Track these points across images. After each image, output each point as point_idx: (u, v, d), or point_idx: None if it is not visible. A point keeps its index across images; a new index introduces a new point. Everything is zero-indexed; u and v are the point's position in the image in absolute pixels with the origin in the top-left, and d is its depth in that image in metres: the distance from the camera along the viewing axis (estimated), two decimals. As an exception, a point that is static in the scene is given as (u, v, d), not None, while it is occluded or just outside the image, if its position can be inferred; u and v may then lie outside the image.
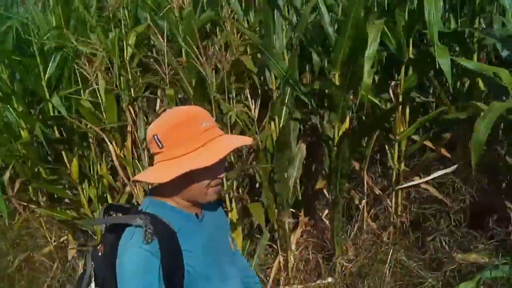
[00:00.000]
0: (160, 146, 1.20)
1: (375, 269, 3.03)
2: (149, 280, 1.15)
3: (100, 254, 1.28)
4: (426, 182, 3.19)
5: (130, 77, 3.33)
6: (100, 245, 1.30)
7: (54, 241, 3.91)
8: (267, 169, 2.86)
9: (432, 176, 3.07)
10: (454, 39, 2.91)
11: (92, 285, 1.28)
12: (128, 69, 3.35)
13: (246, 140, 1.29)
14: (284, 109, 2.95)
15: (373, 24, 2.58)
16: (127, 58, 3.44)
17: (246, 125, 2.91)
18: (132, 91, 3.17)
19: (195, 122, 1.20)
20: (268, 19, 2.76)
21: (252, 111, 2.76)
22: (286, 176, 3.00)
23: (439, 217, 3.15)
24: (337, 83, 2.69)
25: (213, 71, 2.69)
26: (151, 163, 2.80)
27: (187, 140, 1.19)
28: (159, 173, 1.20)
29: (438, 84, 2.92)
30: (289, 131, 2.82)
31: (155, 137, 1.20)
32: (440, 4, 2.39)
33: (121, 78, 3.14)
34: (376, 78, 3.04)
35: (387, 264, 2.98)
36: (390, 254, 3.01)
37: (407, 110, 3.01)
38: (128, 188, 3.36)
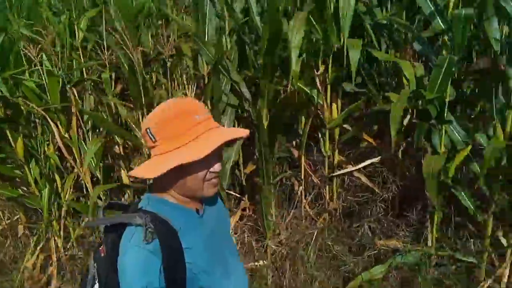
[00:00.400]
0: (153, 140, 1.19)
1: (303, 253, 3.14)
2: (150, 279, 1.14)
3: (102, 255, 1.26)
4: (359, 171, 3.30)
5: (77, 60, 3.44)
6: (101, 246, 1.28)
7: (8, 219, 4.04)
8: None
9: (361, 165, 3.17)
10: (384, 31, 2.99)
11: (96, 286, 1.26)
12: (80, 52, 3.47)
13: (241, 132, 1.26)
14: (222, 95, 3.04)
15: (298, 15, 2.67)
16: (79, 41, 3.56)
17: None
18: (75, 73, 3.26)
19: (188, 115, 1.18)
20: (200, 6, 2.85)
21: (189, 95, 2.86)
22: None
23: (370, 204, 3.26)
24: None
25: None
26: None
27: (180, 134, 1.17)
28: (151, 167, 1.19)
29: (365, 75, 3.02)
30: (219, 115, 2.91)
31: (148, 130, 1.20)
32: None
33: (64, 60, 3.24)
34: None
35: (312, 248, 3.09)
36: (316, 239, 3.12)
37: (339, 101, 3.11)
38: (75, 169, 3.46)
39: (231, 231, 1.48)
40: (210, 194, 1.26)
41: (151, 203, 1.26)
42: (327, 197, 3.37)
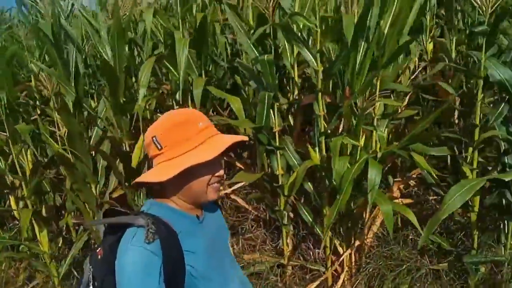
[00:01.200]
0: (159, 147, 1.23)
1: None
2: (150, 279, 1.14)
3: (99, 257, 1.27)
4: (234, 193, 3.65)
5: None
6: (99, 249, 1.29)
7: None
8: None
9: (231, 189, 3.52)
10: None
11: None
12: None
13: (242, 137, 1.31)
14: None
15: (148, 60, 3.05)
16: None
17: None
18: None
19: (192, 122, 1.24)
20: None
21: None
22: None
23: (245, 223, 3.62)
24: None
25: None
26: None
27: (186, 140, 1.22)
28: (159, 173, 1.22)
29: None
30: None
31: (154, 138, 1.23)
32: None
33: None
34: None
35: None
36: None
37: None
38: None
39: (229, 243, 1.51)
40: (213, 198, 1.29)
41: (152, 207, 1.29)
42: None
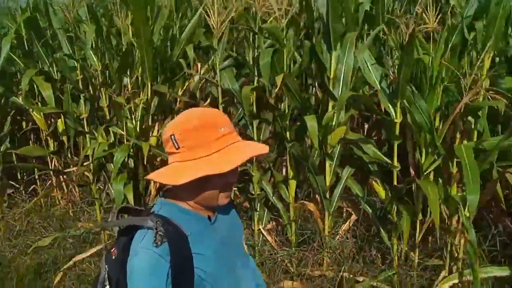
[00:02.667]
0: (177, 146, 1.19)
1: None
2: (157, 282, 1.14)
3: (113, 257, 1.27)
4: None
5: None
6: (113, 249, 1.29)
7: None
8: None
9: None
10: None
11: None
12: None
13: (263, 149, 1.25)
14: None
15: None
16: None
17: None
18: None
19: (214, 127, 1.19)
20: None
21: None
22: None
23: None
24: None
25: None
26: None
27: (205, 144, 1.18)
28: (174, 174, 1.19)
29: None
30: None
31: (172, 137, 1.20)
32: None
33: None
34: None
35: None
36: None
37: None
38: None
39: (243, 242, 1.47)
40: (224, 203, 1.28)
41: (163, 207, 1.27)
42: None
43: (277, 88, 2.73)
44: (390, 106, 2.93)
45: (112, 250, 1.29)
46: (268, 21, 3.04)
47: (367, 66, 3.00)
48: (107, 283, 1.27)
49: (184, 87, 3.86)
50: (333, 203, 3.35)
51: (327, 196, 3.29)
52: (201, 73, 3.71)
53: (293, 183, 3.34)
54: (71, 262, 3.62)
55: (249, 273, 1.44)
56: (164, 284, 1.15)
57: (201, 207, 1.28)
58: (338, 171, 3.39)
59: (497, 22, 2.49)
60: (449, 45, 2.69)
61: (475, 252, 2.72)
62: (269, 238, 3.56)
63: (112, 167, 3.41)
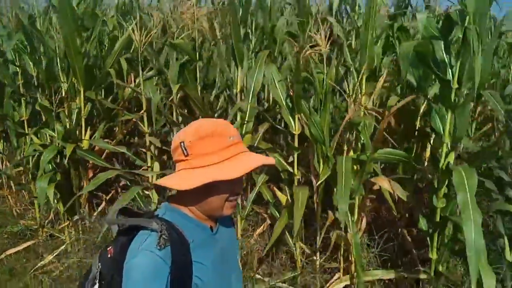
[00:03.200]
0: (186, 154, 1.21)
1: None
2: (156, 285, 1.14)
3: (109, 256, 1.25)
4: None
5: None
6: (110, 247, 1.27)
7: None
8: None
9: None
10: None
11: (96, 286, 1.25)
12: None
13: (269, 160, 1.28)
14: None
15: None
16: None
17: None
18: None
19: (223, 136, 1.22)
20: None
21: None
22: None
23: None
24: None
25: None
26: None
27: (213, 152, 1.20)
28: (183, 180, 1.20)
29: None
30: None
31: (182, 144, 1.21)
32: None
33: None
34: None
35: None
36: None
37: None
38: None
39: (238, 258, 1.49)
40: (228, 214, 1.29)
41: (168, 212, 1.27)
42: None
43: (170, 98, 2.99)
44: (290, 119, 3.21)
45: (108, 249, 1.27)
46: (179, 38, 3.33)
47: (274, 82, 3.28)
48: (97, 281, 1.25)
49: (124, 96, 4.14)
50: (246, 208, 3.61)
51: (238, 201, 3.53)
52: (135, 83, 3.97)
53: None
54: (2, 256, 3.86)
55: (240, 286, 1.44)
56: (163, 287, 1.15)
57: (204, 216, 1.29)
58: (255, 178, 3.65)
59: (367, 48, 2.78)
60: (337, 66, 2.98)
61: (359, 255, 2.98)
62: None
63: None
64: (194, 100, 3.10)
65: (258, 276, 3.43)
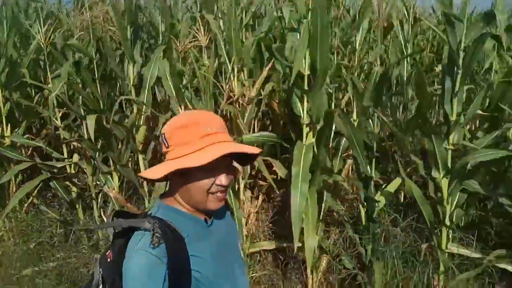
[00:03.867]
0: (166, 145, 1.23)
1: None
2: (153, 284, 1.14)
3: (108, 260, 1.26)
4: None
5: None
6: (108, 251, 1.28)
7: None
8: None
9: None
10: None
11: None
12: None
13: (251, 149, 1.26)
14: None
15: None
16: None
17: None
18: None
19: (199, 126, 1.22)
20: None
21: None
22: None
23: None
24: None
25: None
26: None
27: (188, 142, 1.20)
28: (156, 170, 1.23)
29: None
30: None
31: (163, 135, 1.24)
32: None
33: None
34: None
35: None
36: None
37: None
38: None
39: (240, 246, 1.47)
40: (213, 208, 1.27)
41: (160, 210, 1.28)
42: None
43: (54, 92, 3.33)
44: (179, 109, 3.54)
45: (107, 253, 1.28)
46: (73, 39, 3.66)
47: (166, 76, 3.61)
48: (101, 286, 1.26)
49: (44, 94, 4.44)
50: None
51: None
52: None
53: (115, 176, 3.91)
54: None
55: (245, 278, 1.44)
56: (161, 286, 1.15)
57: (194, 209, 1.29)
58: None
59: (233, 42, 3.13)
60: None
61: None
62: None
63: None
64: (86, 95, 3.43)
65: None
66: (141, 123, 3.69)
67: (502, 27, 3.63)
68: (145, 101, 3.67)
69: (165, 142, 1.24)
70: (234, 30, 3.06)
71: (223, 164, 1.22)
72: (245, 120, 3.27)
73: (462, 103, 2.82)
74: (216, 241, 1.31)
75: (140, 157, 3.81)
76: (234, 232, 1.48)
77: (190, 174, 1.20)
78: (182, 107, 3.47)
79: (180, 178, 1.22)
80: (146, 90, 3.68)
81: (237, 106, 3.21)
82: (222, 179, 1.23)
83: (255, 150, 1.27)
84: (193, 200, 1.25)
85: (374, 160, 3.26)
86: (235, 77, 3.25)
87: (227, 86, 3.21)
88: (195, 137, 1.20)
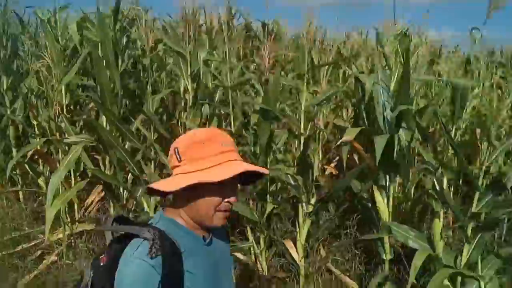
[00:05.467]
0: (179, 159, 1.24)
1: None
2: None
3: (101, 264, 1.26)
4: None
5: None
6: (103, 255, 1.28)
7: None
8: None
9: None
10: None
11: None
12: None
13: (261, 169, 1.30)
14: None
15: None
16: None
17: None
18: None
19: (215, 142, 1.24)
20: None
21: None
22: None
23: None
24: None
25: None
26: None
27: (204, 158, 1.22)
28: (169, 183, 1.24)
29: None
30: None
31: (176, 150, 1.25)
32: None
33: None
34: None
35: None
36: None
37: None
38: None
39: (233, 272, 1.49)
40: (218, 224, 1.29)
41: (161, 221, 1.29)
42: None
43: None
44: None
45: (101, 257, 1.28)
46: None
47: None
48: None
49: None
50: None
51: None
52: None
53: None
54: None
55: None
56: None
57: (196, 225, 1.30)
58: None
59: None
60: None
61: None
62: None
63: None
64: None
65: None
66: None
67: None
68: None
69: (177, 156, 1.25)
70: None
71: (234, 182, 1.26)
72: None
73: None
74: (211, 261, 1.32)
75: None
76: (229, 256, 1.49)
77: (202, 189, 1.22)
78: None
79: (191, 192, 1.23)
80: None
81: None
82: (232, 197, 1.27)
83: (265, 170, 1.32)
84: (199, 214, 1.27)
85: None
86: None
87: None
88: (211, 153, 1.23)
